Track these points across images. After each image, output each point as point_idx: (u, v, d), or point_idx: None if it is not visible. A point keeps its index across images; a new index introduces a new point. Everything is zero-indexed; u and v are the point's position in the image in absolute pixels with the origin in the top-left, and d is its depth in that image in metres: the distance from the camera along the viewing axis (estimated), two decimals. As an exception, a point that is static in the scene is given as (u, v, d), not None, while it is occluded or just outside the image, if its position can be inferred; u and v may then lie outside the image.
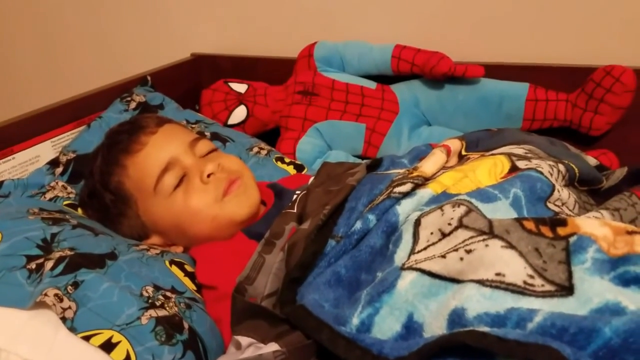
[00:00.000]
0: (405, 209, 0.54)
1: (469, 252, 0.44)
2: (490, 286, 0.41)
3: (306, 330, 0.47)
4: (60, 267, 0.56)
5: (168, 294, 0.59)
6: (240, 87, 1.12)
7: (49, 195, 0.76)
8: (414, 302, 0.44)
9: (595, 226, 0.44)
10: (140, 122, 0.76)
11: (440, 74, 0.97)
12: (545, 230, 0.45)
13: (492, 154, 0.64)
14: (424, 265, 0.46)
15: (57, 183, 0.79)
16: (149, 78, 1.07)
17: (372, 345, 0.42)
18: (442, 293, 0.44)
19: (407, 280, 0.45)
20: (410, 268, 0.46)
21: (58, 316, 0.52)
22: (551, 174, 0.58)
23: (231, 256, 0.66)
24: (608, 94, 0.89)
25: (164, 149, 0.71)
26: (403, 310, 0.44)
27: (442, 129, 1.02)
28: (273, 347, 0.46)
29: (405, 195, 0.56)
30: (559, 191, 0.56)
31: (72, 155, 0.84)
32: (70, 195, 0.78)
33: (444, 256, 0.45)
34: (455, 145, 0.70)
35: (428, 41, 1.02)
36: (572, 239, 0.43)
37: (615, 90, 0.88)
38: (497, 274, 0.42)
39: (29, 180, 0.78)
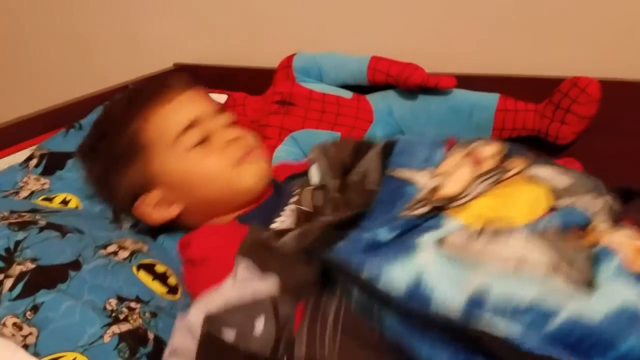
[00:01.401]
0: (429, 240, 0.51)
1: (494, 234, 0.46)
2: (513, 274, 0.43)
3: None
4: (19, 288, 0.55)
5: (132, 304, 0.59)
6: (219, 98, 1.14)
7: (23, 194, 0.76)
8: (430, 269, 0.45)
9: (619, 240, 0.46)
10: (169, 80, 0.77)
11: (413, 85, 1.00)
12: (569, 238, 0.47)
13: (536, 179, 0.58)
14: (447, 243, 0.47)
15: (29, 177, 0.78)
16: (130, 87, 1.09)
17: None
18: (461, 274, 0.44)
19: (426, 253, 0.47)
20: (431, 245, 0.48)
21: (19, 345, 0.51)
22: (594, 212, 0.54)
23: (225, 234, 0.67)
24: (574, 104, 0.91)
25: (190, 109, 0.73)
26: (414, 270, 0.45)
27: (416, 138, 1.04)
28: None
29: (430, 226, 0.52)
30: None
31: (46, 151, 0.84)
32: (45, 187, 0.78)
33: (469, 238, 0.47)
34: (491, 151, 0.62)
35: (403, 53, 1.05)
36: (596, 249, 0.45)
37: (581, 101, 0.91)
38: (520, 262, 0.43)
39: (1, 179, 0.77)
